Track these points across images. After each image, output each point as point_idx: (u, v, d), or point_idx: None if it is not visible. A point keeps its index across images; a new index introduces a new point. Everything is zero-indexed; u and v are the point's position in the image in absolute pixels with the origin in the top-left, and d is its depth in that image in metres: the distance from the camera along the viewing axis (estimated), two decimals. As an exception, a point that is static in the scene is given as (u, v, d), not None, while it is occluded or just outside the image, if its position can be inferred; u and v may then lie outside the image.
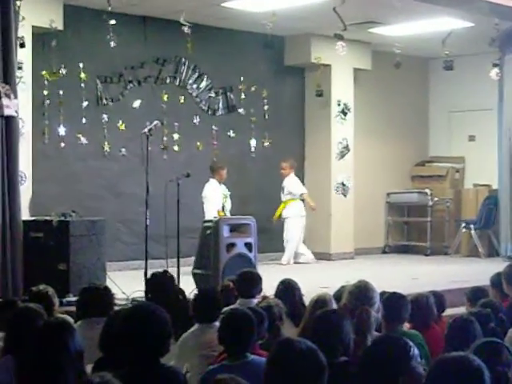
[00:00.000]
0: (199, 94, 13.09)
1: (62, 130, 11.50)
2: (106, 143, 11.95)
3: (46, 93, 11.26)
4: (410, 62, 14.64)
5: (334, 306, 5.47)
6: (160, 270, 7.25)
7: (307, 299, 6.01)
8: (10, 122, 8.70)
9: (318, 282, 9.69)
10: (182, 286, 8.79)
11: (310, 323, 5.00)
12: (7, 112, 8.63)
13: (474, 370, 3.08)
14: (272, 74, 13.99)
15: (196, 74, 13.01)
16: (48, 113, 11.32)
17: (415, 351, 3.51)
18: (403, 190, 15.60)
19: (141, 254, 9.85)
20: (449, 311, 7.16)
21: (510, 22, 12.57)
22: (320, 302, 5.45)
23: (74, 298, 7.58)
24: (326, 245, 14.05)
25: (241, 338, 4.62)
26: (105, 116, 11.94)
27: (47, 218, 8.98)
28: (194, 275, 9.71)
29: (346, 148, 14.28)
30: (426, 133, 16.40)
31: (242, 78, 13.49)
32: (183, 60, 12.69)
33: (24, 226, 8.80)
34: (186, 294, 7.74)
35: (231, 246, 9.68)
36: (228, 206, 12.05)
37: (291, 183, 13.35)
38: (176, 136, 12.66)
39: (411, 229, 15.74)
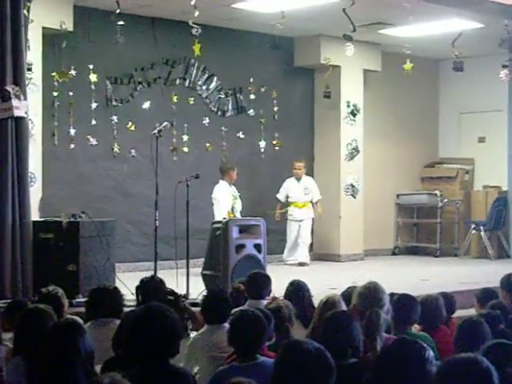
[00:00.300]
0: (209, 95, 13.09)
1: (71, 131, 11.51)
2: (115, 144, 11.95)
3: (55, 94, 11.26)
4: (420, 64, 14.61)
5: (344, 307, 5.47)
6: (148, 275, 7.06)
7: (316, 300, 6.01)
8: (19, 124, 8.72)
9: (328, 283, 9.69)
10: (191, 287, 8.85)
11: (319, 324, 5.01)
12: (17, 113, 8.65)
13: (483, 371, 3.08)
14: (281, 75, 13.98)
15: (205, 76, 13.01)
16: (58, 114, 11.33)
17: (430, 354, 3.51)
18: (413, 191, 15.56)
19: (150, 255, 9.87)
20: (458, 313, 7.16)
21: (520, 23, 12.55)
22: (329, 303, 5.44)
23: (83, 299, 7.55)
24: (335, 246, 14.02)
25: (251, 339, 4.62)
26: (114, 117, 11.95)
27: (57, 219, 8.96)
28: (204, 276, 9.72)
29: (356, 149, 14.26)
30: (436, 134, 16.35)
31: (251, 79, 13.47)
32: (193, 61, 12.68)
33: (34, 227, 8.83)
34: (194, 295, 7.74)
35: (240, 247, 9.67)
36: (238, 207, 12.03)
37: (314, 185, 13.35)
38: (185, 137, 12.65)
39: (421, 230, 15.69)
